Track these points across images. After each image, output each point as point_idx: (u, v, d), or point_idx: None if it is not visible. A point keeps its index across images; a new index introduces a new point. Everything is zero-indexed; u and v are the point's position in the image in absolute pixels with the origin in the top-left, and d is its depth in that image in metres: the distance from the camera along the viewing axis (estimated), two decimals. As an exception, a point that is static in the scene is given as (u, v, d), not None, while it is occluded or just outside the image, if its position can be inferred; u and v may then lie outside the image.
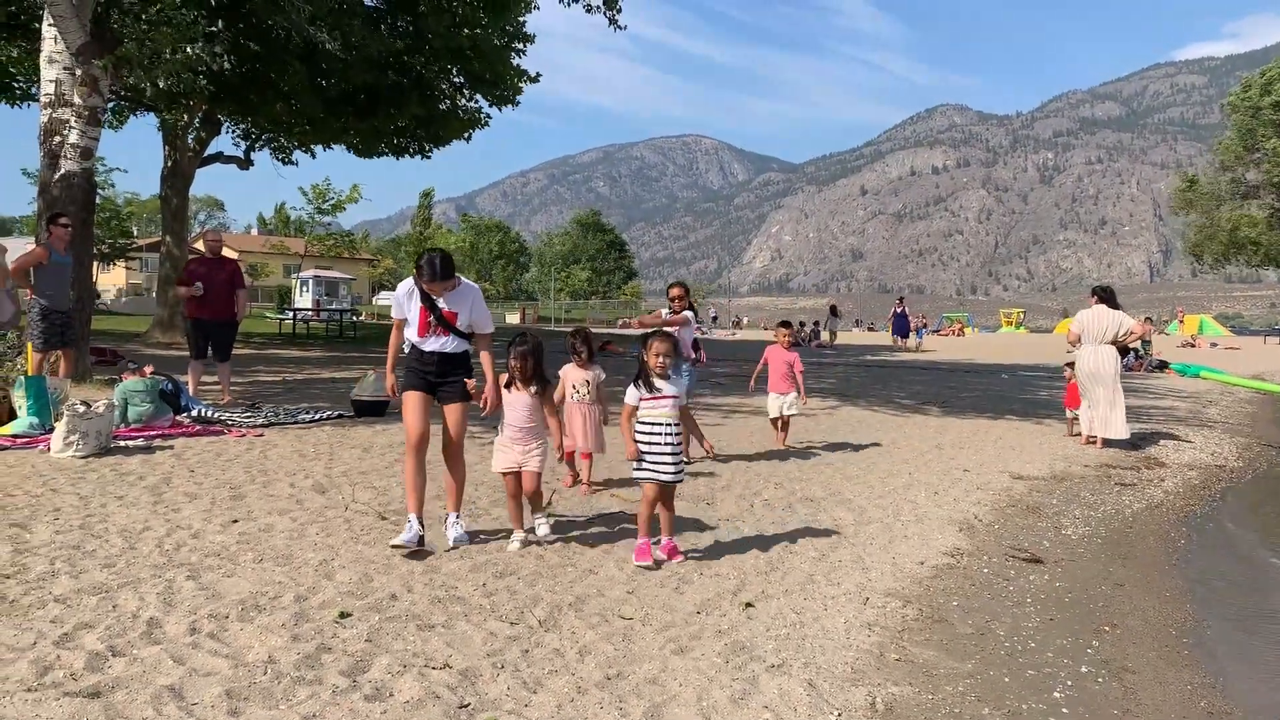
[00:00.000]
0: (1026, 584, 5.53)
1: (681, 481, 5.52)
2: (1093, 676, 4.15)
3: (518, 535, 5.63)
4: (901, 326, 38.10)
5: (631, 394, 5.44)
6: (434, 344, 5.59)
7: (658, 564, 5.35)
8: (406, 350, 5.71)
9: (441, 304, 5.55)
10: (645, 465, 5.36)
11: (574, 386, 7.41)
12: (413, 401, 5.58)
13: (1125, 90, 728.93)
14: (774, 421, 9.88)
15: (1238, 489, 9.31)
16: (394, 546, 5.29)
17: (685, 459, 5.74)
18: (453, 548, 5.48)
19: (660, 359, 5.37)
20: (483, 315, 5.74)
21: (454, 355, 5.64)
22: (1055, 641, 4.57)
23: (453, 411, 5.67)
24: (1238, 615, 5.35)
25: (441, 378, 5.64)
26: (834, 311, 40.37)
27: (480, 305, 5.72)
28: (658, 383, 5.39)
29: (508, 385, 5.66)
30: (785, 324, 10.32)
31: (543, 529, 5.72)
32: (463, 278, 5.65)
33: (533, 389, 5.64)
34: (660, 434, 5.35)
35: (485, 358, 5.76)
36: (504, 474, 5.67)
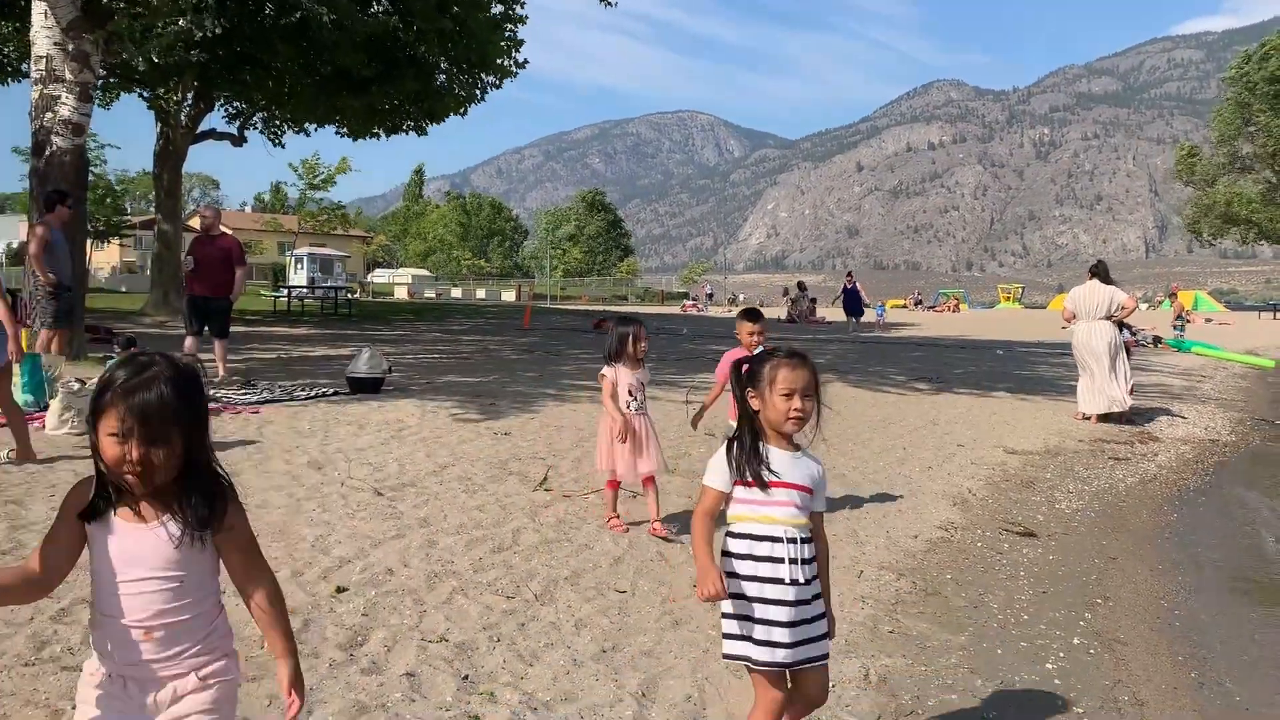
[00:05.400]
0: (1020, 557, 5.56)
1: (827, 659, 2.78)
2: (1085, 648, 4.19)
3: None
4: (853, 304, 34.79)
5: (718, 472, 2.78)
6: None
7: None
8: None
9: None
10: (740, 630, 2.69)
11: (629, 393, 5.55)
12: None
13: (1122, 65, 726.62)
14: None
15: (1230, 463, 9.35)
16: None
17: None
18: None
19: (804, 403, 2.75)
20: None
21: None
22: (1048, 614, 4.60)
23: None
24: (1229, 587, 5.38)
25: None
26: (801, 288, 40.07)
27: None
28: (779, 456, 2.76)
29: (86, 515, 2.05)
30: (752, 314, 6.06)
31: None
32: None
33: (176, 522, 2.02)
34: (779, 559, 2.68)
35: None
36: None
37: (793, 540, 2.69)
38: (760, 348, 5.68)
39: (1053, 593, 4.94)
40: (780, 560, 2.67)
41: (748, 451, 2.76)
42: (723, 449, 2.82)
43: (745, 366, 2.91)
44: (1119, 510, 7.01)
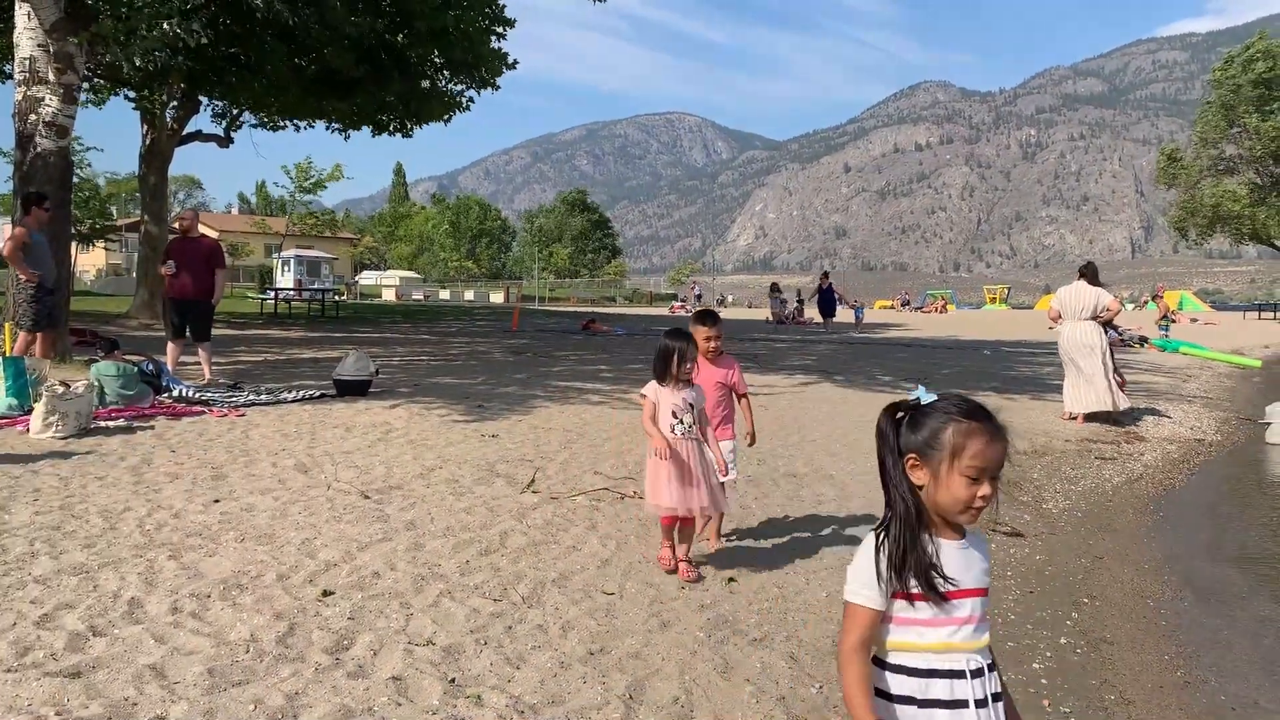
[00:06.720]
0: (1007, 557, 5.57)
1: None
2: (1071, 648, 4.20)
3: None
4: (828, 304, 34.48)
5: (867, 583, 1.99)
6: None
7: None
8: None
9: None
10: None
11: (673, 414, 4.78)
12: None
13: (1108, 67, 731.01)
14: None
15: (1216, 462, 9.39)
16: None
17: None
18: None
19: (993, 487, 1.92)
20: None
21: None
22: (1035, 613, 4.61)
23: None
24: (1215, 587, 5.41)
25: None
26: (774, 289, 40.09)
27: None
28: (950, 551, 1.97)
29: None
30: (708, 317, 5.40)
31: None
32: None
33: None
34: (962, 703, 1.91)
35: None
36: None
37: (978, 673, 1.92)
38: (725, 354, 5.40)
39: (1039, 592, 4.96)
40: (964, 704, 1.90)
41: (910, 550, 1.94)
42: (868, 546, 2.01)
43: (901, 414, 2.02)
44: (1106, 510, 7.04)
